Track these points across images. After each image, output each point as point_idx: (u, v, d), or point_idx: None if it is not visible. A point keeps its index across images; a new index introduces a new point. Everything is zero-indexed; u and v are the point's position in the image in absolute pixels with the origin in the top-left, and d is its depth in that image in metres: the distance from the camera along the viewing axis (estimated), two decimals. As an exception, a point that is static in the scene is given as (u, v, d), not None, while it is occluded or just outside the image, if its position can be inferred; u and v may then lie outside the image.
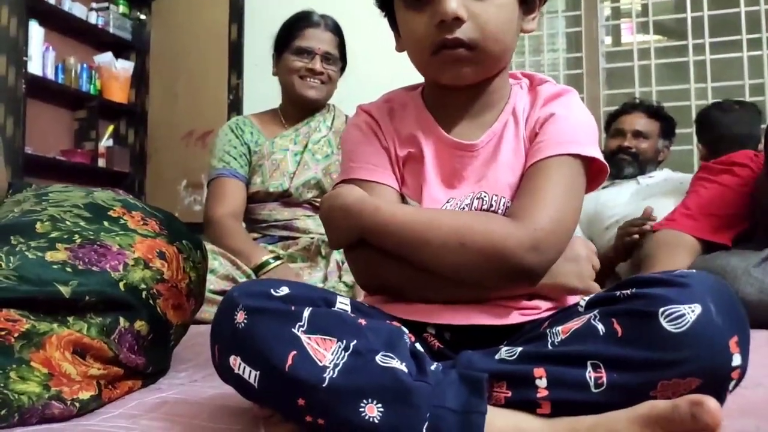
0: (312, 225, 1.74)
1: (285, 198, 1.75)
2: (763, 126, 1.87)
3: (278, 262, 1.57)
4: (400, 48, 0.77)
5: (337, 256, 1.61)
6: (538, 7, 0.74)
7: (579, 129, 0.71)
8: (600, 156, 0.71)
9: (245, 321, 0.57)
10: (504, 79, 0.75)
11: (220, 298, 1.43)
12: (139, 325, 0.77)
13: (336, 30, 1.82)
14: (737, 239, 1.63)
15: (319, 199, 1.76)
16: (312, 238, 1.71)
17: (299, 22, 1.78)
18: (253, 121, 1.84)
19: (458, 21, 0.66)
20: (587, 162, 0.70)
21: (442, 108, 0.75)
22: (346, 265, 1.58)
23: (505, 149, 0.72)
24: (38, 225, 0.76)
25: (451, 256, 0.64)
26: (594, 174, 0.72)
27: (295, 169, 1.74)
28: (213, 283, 1.46)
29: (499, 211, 0.70)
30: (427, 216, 0.67)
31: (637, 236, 1.65)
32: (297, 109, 1.81)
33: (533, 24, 0.74)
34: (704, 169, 1.80)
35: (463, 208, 0.71)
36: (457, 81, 0.71)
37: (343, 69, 1.85)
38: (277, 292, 0.59)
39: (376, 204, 0.69)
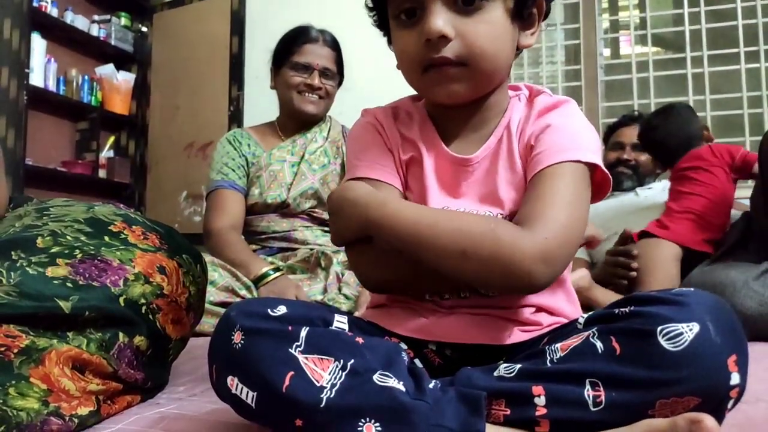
0: (310, 236, 1.75)
1: (283, 209, 1.75)
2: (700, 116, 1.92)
3: (278, 273, 1.56)
4: (399, 66, 0.77)
5: (337, 267, 1.61)
6: (537, 23, 0.73)
7: (577, 136, 0.69)
8: (601, 164, 0.69)
9: (242, 341, 0.57)
10: (502, 93, 0.75)
11: (219, 309, 1.44)
12: (139, 340, 0.77)
13: (334, 45, 1.82)
14: (718, 244, 1.65)
15: (317, 210, 1.77)
16: (311, 249, 1.71)
17: (298, 38, 1.79)
18: (251, 133, 1.86)
19: (444, 39, 0.65)
20: (590, 170, 0.68)
21: (442, 122, 0.76)
22: (345, 277, 1.58)
23: (502, 165, 0.72)
24: (39, 240, 0.76)
25: (452, 263, 0.61)
26: (597, 185, 0.71)
27: (292, 179, 1.75)
28: (212, 294, 1.46)
29: None
30: (432, 218, 0.64)
31: (634, 273, 1.64)
32: (295, 122, 1.83)
33: (532, 39, 0.73)
34: (672, 180, 1.83)
35: None
36: (449, 99, 0.70)
37: (340, 83, 1.86)
38: (274, 312, 0.59)
39: (385, 198, 0.68)
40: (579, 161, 0.66)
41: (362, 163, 0.75)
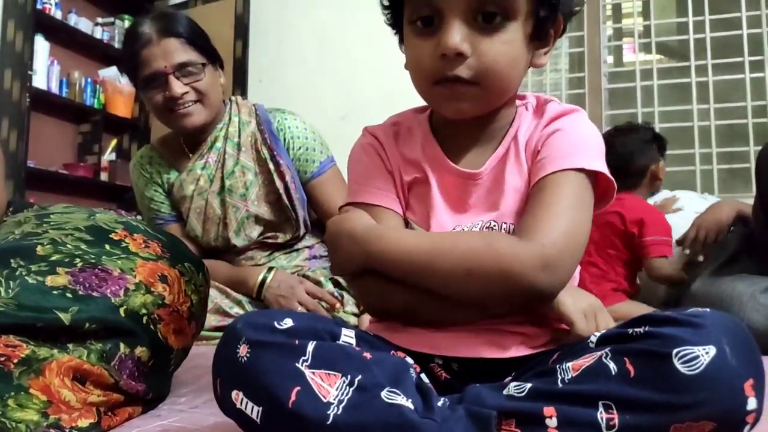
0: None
1: (233, 248, 1.54)
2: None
3: (272, 273, 1.47)
4: (408, 70, 0.76)
5: (329, 287, 1.50)
6: (552, 42, 0.73)
7: (582, 143, 0.69)
8: (606, 170, 0.69)
9: (248, 355, 0.56)
10: (510, 106, 0.75)
11: (212, 334, 1.34)
12: (140, 351, 0.76)
13: (177, 28, 1.41)
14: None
15: (269, 235, 1.54)
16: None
17: (131, 48, 1.41)
18: (161, 151, 1.60)
19: (461, 56, 0.64)
20: (593, 178, 0.68)
21: (448, 135, 0.75)
22: (345, 298, 1.49)
23: (510, 174, 0.71)
24: (39, 248, 0.75)
25: (458, 284, 0.62)
26: (601, 192, 0.70)
27: (222, 213, 1.51)
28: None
29: None
30: (431, 243, 0.65)
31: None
32: (192, 136, 1.52)
33: (545, 59, 0.73)
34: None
35: None
36: (456, 115, 0.70)
37: (216, 60, 1.51)
38: (280, 325, 0.58)
39: (381, 231, 0.68)
40: (582, 169, 0.67)
41: (361, 187, 0.75)
